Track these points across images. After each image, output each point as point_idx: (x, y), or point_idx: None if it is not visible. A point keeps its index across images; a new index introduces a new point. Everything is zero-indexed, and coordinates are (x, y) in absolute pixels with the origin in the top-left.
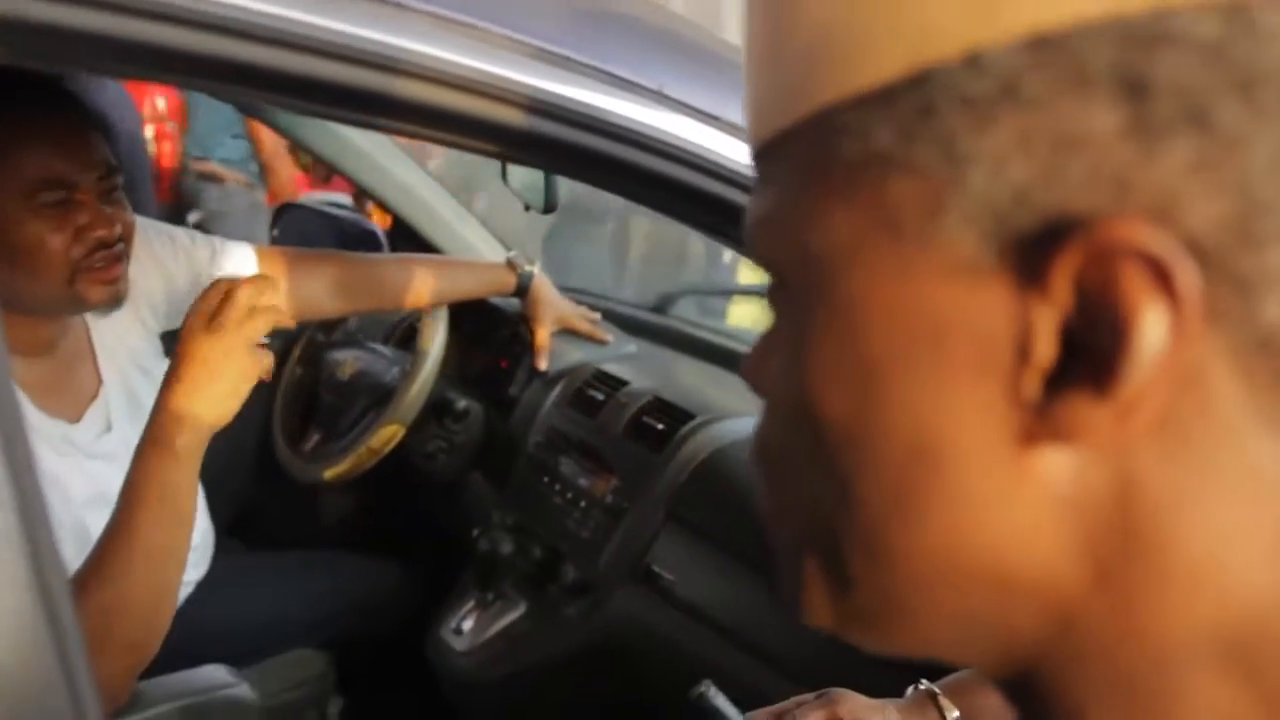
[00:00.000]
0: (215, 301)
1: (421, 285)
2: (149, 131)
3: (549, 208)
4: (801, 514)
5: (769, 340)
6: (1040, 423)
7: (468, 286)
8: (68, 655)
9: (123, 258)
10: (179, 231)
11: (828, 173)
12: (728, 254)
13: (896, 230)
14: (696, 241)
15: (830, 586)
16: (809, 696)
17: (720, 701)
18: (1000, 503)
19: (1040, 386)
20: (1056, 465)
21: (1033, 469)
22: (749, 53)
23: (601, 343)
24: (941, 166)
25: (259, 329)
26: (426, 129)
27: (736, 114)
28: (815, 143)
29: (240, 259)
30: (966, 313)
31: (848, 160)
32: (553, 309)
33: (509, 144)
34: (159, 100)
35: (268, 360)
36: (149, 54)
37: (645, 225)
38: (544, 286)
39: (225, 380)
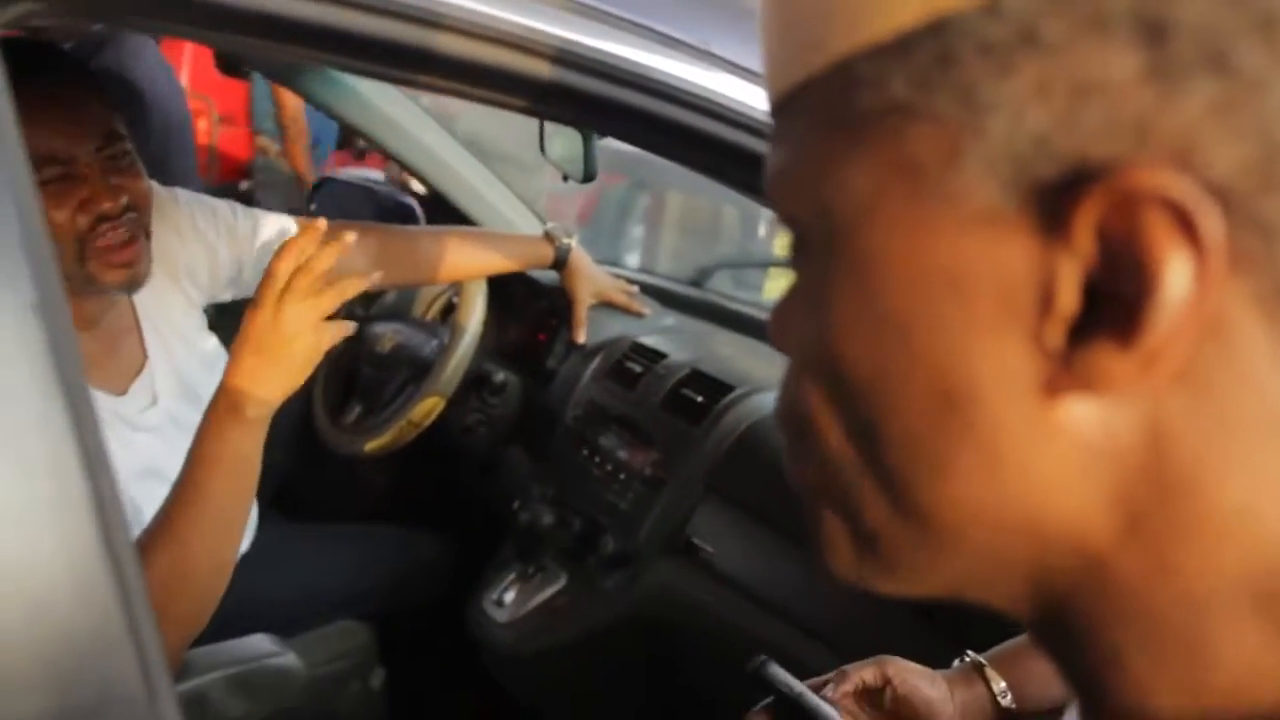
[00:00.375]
0: (290, 267)
1: (459, 258)
2: None
3: (588, 176)
4: (825, 469)
5: (791, 298)
6: (1065, 372)
7: (505, 259)
8: (136, 622)
9: (137, 234)
10: (221, 204)
11: (845, 125)
12: (763, 227)
13: (915, 181)
14: (731, 215)
15: (854, 538)
16: (858, 664)
17: (778, 672)
18: (1027, 452)
19: (1064, 336)
20: (1082, 415)
21: (1059, 418)
22: (765, 6)
23: (639, 315)
24: (960, 115)
25: (333, 301)
26: (467, 85)
27: None
28: (831, 95)
29: (282, 230)
30: (988, 263)
31: (864, 111)
32: (591, 282)
33: (551, 101)
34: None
35: (345, 328)
36: (191, 7)
37: (680, 199)
38: (581, 259)
39: (298, 351)
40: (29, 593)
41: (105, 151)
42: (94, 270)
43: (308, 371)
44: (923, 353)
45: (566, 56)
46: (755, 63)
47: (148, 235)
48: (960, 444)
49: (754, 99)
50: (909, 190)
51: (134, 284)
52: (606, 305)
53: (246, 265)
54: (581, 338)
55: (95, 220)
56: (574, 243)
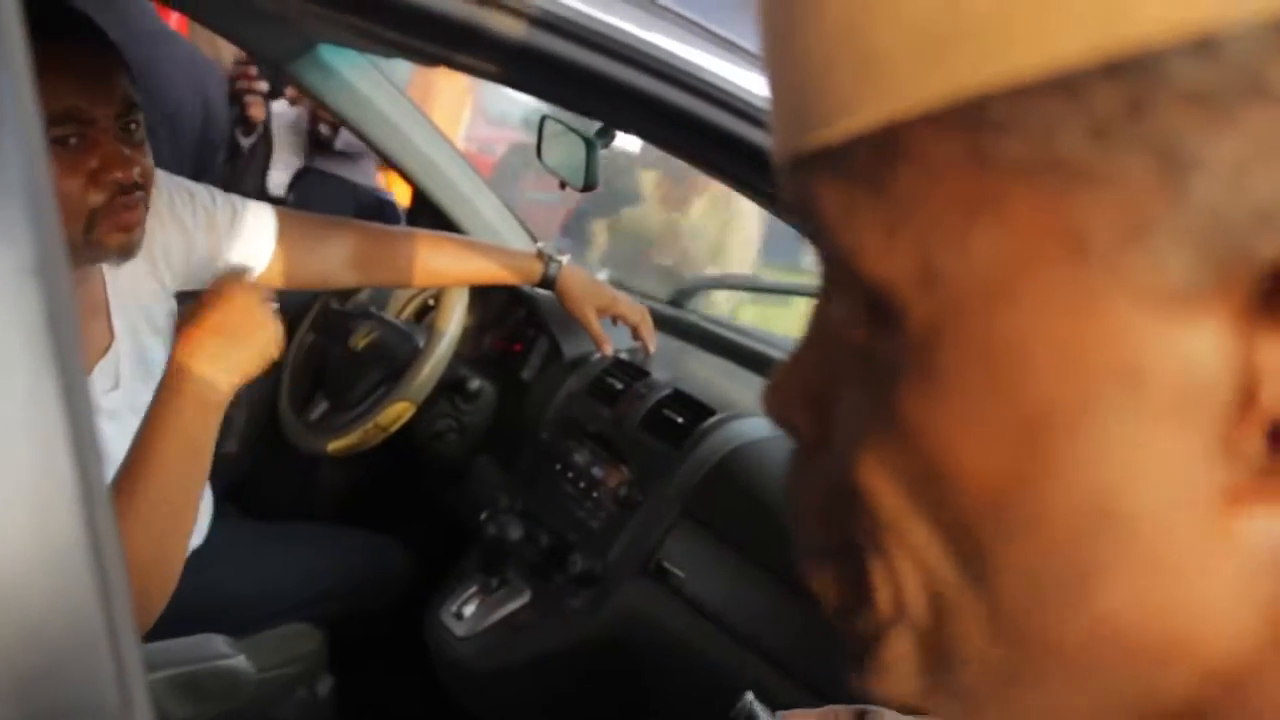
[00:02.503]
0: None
1: (442, 265)
2: None
3: (589, 185)
4: (897, 583)
5: (831, 369)
6: (1256, 481)
7: (490, 271)
8: (115, 625)
9: (141, 202)
10: (199, 189)
11: (970, 179)
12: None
13: (1078, 252)
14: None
15: (928, 662)
16: (844, 709)
17: (763, 713)
18: (1192, 568)
19: (1263, 440)
20: (1262, 526)
21: (1236, 532)
22: (797, 24)
23: (644, 349)
24: (1152, 175)
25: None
26: (473, 58)
27: None
28: (947, 142)
29: (260, 220)
30: (1169, 351)
31: (1006, 165)
32: (591, 298)
33: (582, 89)
34: None
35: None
36: None
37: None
38: (575, 277)
39: (265, 339)
40: (1, 586)
41: (123, 119)
42: (99, 235)
43: (267, 361)
44: (1075, 457)
45: (611, 45)
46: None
47: (147, 207)
48: (1108, 562)
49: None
50: (1067, 262)
51: (129, 251)
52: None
53: (223, 255)
54: (608, 350)
55: (112, 194)
56: (567, 261)
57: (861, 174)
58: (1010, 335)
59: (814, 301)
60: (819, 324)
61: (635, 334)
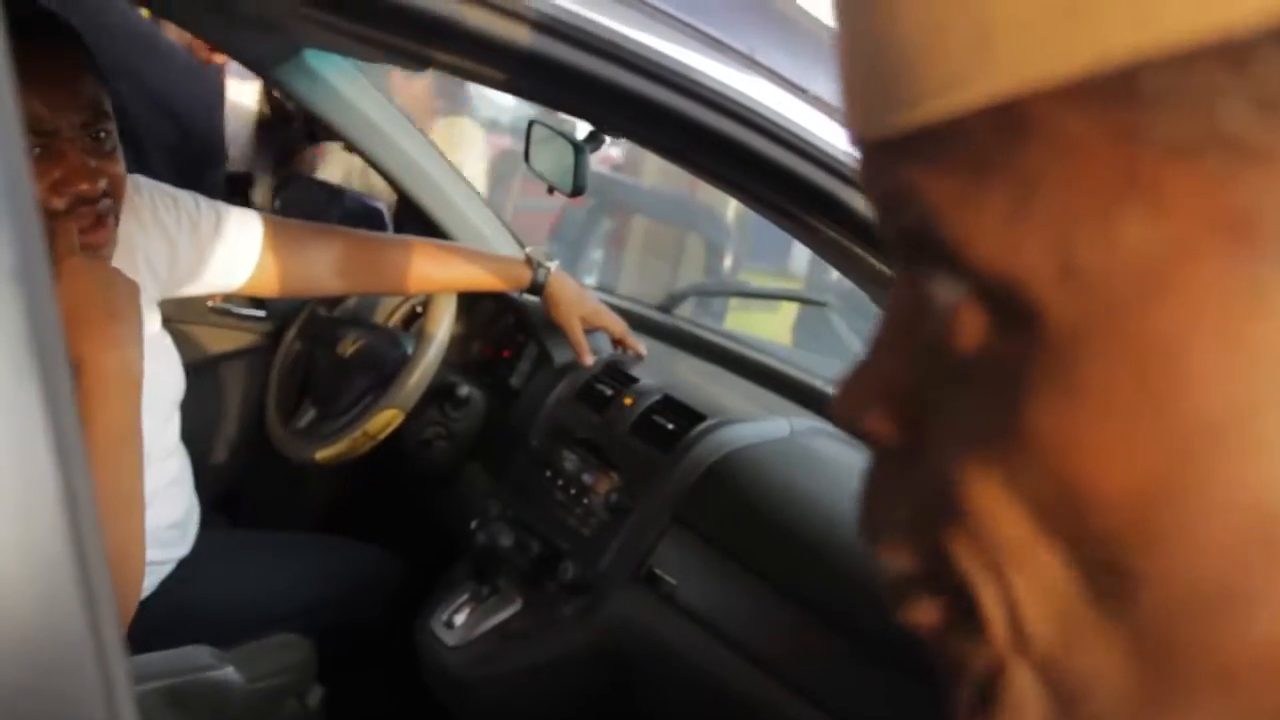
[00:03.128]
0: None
1: (429, 272)
2: None
3: (577, 190)
4: (1011, 615)
5: (924, 372)
6: None
7: (478, 278)
8: (101, 637)
9: (107, 218)
10: (184, 195)
11: (1116, 159)
12: (728, 259)
13: (1244, 239)
14: (696, 243)
15: (1055, 697)
16: None
17: None
18: None
19: None
20: None
21: None
22: None
23: (637, 355)
24: None
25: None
26: (488, 68)
27: (823, 87)
28: (1087, 116)
29: (245, 227)
30: None
31: (1156, 142)
32: (576, 306)
33: (578, 92)
34: None
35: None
36: None
37: (644, 224)
38: (563, 284)
39: (133, 304)
40: None
41: (90, 129)
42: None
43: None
44: (1235, 468)
45: (606, 47)
46: (796, 74)
47: (117, 220)
48: (1271, 580)
49: (794, 112)
50: (1232, 251)
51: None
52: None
53: (207, 261)
54: (588, 360)
55: (73, 203)
56: (555, 267)
57: (978, 155)
58: (1167, 335)
59: (896, 295)
60: (906, 321)
61: (619, 344)
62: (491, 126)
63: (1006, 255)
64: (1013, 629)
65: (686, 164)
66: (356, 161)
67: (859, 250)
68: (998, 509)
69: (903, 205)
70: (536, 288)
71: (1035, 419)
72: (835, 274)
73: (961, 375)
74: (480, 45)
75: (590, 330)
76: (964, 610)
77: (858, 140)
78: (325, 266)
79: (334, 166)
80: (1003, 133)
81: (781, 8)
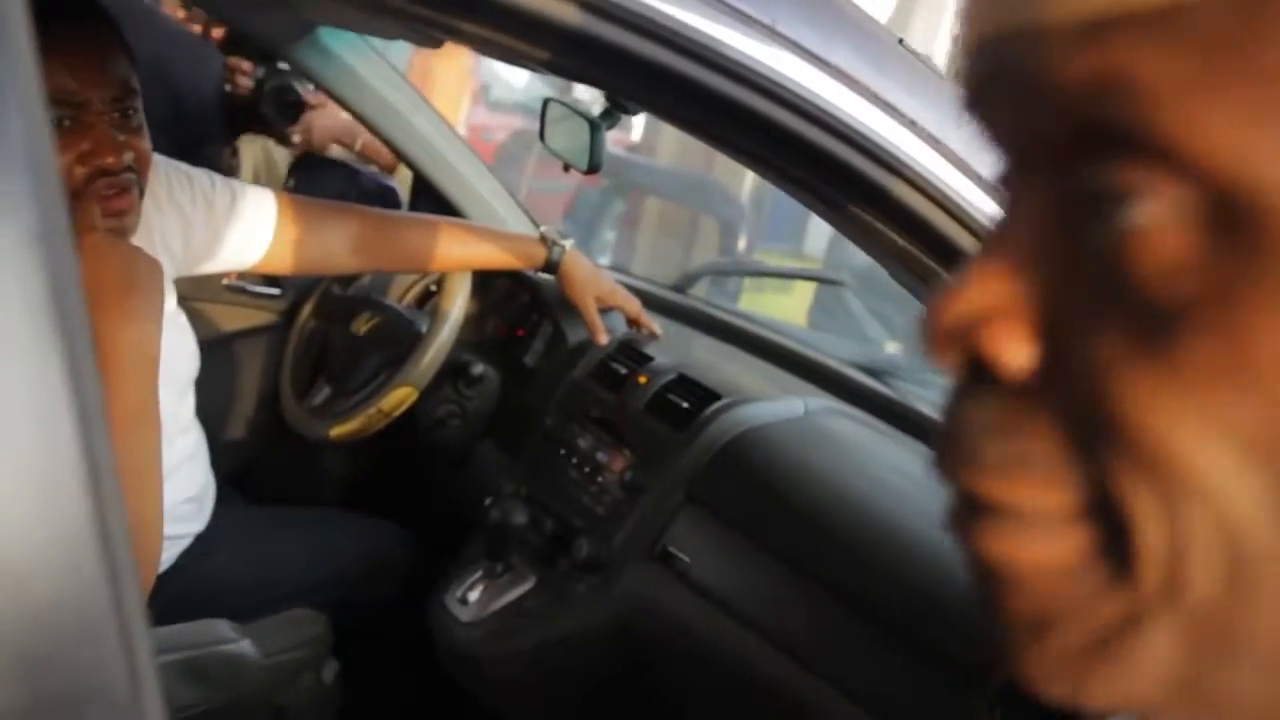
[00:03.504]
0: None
1: (444, 251)
2: None
3: (593, 167)
4: (1173, 556)
5: (1070, 287)
6: None
7: (493, 256)
8: (124, 608)
9: (132, 188)
10: (199, 174)
11: None
12: (742, 240)
13: None
14: (709, 225)
15: (1186, 658)
16: None
17: None
18: None
19: None
20: None
21: None
22: None
23: (652, 335)
24: None
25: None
26: (511, 40)
27: (846, 59)
28: None
29: (260, 205)
30: None
31: None
32: (593, 285)
33: (602, 64)
34: None
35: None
36: None
37: (657, 205)
38: (578, 263)
39: (155, 280)
40: (6, 568)
41: (119, 104)
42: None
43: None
44: None
45: (626, 16)
46: (819, 46)
47: (142, 193)
48: None
49: (816, 85)
50: None
51: (121, 235)
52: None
53: (222, 239)
54: (603, 340)
55: (95, 173)
56: (570, 245)
57: (1214, 38)
58: None
59: (1036, 207)
60: (1051, 234)
61: (634, 324)
62: (500, 107)
63: (1239, 154)
64: (1170, 573)
65: (704, 135)
66: (268, 154)
67: (881, 226)
68: (1187, 439)
69: (1101, 94)
70: (551, 266)
71: (1253, 342)
72: (852, 255)
73: (1141, 294)
74: (495, 15)
75: (605, 310)
76: (1101, 551)
77: (1041, 21)
78: (340, 244)
79: (246, 160)
80: (1248, 14)
81: None
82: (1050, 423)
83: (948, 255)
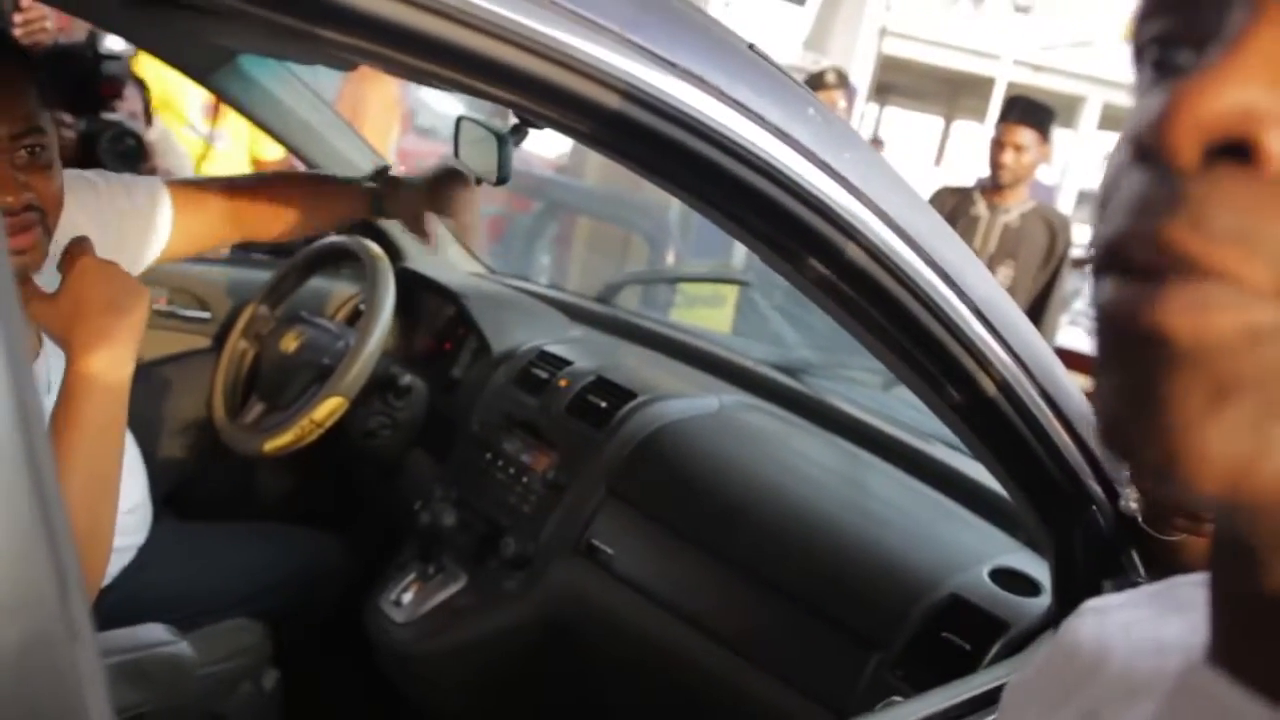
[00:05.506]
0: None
1: (295, 205)
2: None
3: (502, 179)
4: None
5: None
6: None
7: (337, 192)
8: (60, 555)
9: (33, 227)
10: (95, 176)
11: None
12: (670, 256)
13: None
14: (639, 243)
15: (1256, 435)
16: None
17: None
18: None
19: None
20: None
21: None
22: None
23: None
24: None
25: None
26: (403, 57)
27: (694, 61)
28: None
29: (154, 196)
30: None
31: None
32: (416, 201)
33: (505, 86)
34: None
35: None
36: None
37: (589, 225)
38: (402, 179)
39: (138, 301)
40: None
41: (22, 141)
42: None
43: (146, 316)
44: None
45: (535, 47)
46: (679, 54)
47: (48, 232)
48: None
49: (670, 86)
50: None
51: (24, 272)
52: (514, 315)
53: (129, 236)
54: (433, 244)
55: None
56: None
57: None
58: None
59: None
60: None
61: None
62: (429, 133)
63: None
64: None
65: (593, 144)
66: None
67: (746, 214)
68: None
69: None
70: (379, 177)
71: None
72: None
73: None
74: (386, 32)
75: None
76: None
77: None
78: (221, 217)
79: None
80: None
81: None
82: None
83: (803, 238)
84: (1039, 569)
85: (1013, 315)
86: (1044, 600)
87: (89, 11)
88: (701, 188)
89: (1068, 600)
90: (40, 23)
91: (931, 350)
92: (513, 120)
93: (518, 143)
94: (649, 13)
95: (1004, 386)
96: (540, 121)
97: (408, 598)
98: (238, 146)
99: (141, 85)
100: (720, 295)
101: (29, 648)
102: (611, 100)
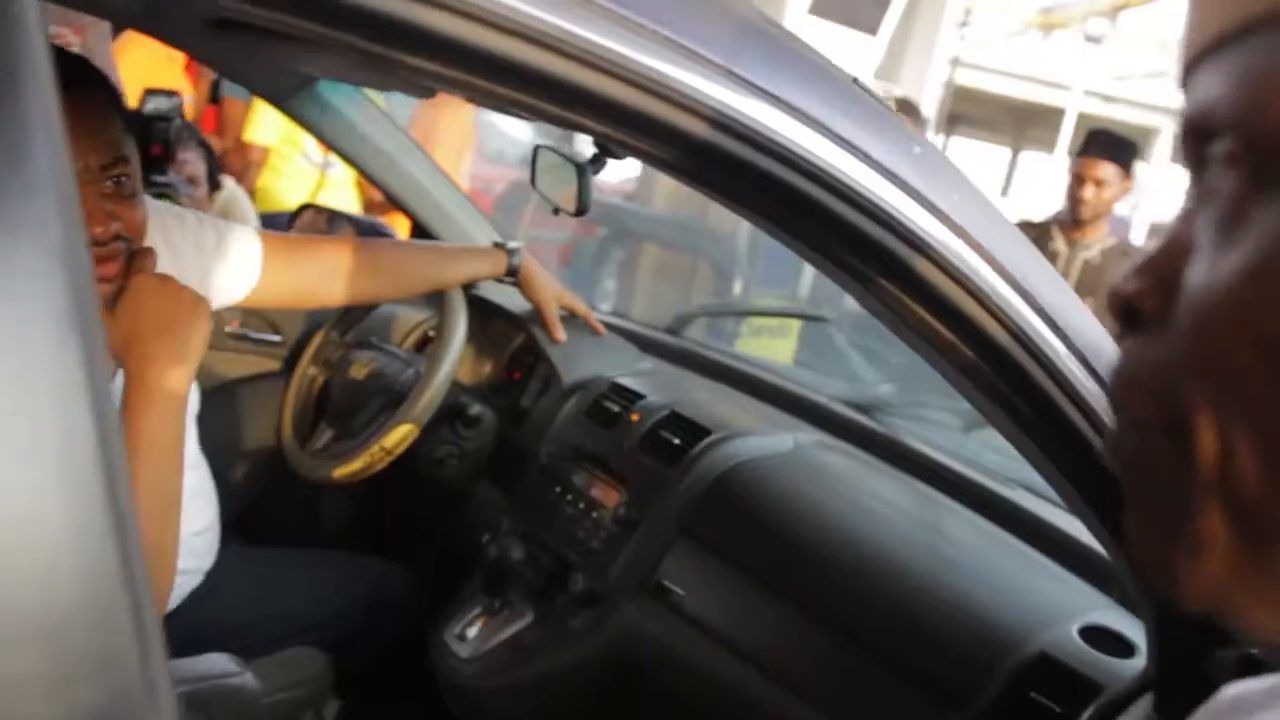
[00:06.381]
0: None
1: (420, 270)
2: None
3: (581, 210)
4: (1214, 454)
5: (1183, 246)
6: None
7: (464, 269)
8: (134, 585)
9: (117, 257)
10: (187, 213)
11: None
12: (737, 284)
13: None
14: (705, 270)
15: (1244, 541)
16: None
17: None
18: None
19: None
20: None
21: None
22: None
23: (596, 333)
24: None
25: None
26: (487, 84)
27: (802, 97)
28: None
29: (245, 242)
30: None
31: None
32: (550, 286)
33: (586, 111)
34: None
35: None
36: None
37: (655, 252)
38: (535, 267)
39: (198, 324)
40: (33, 585)
41: (110, 171)
42: None
43: (207, 340)
44: None
45: (609, 67)
46: (781, 87)
47: (128, 261)
48: None
49: (779, 123)
50: None
51: (106, 301)
52: (582, 343)
53: (212, 277)
54: (560, 336)
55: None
56: (523, 248)
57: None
58: None
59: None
60: (1191, 213)
61: (587, 322)
62: (499, 159)
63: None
64: (1221, 463)
65: (682, 176)
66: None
67: (844, 253)
68: (1197, 345)
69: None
70: (513, 270)
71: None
72: (840, 295)
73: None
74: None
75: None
76: (1181, 452)
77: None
78: (321, 275)
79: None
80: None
81: (759, 24)
82: (1155, 351)
83: (913, 285)
84: (1132, 628)
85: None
86: (1138, 662)
87: (172, 35)
88: (801, 225)
89: (1170, 666)
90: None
91: (1033, 397)
92: (591, 149)
93: (596, 172)
94: (751, 44)
95: (1105, 434)
96: (628, 152)
97: (473, 632)
98: (347, 172)
99: (206, 148)
100: (785, 326)
101: (112, 712)
102: (713, 133)
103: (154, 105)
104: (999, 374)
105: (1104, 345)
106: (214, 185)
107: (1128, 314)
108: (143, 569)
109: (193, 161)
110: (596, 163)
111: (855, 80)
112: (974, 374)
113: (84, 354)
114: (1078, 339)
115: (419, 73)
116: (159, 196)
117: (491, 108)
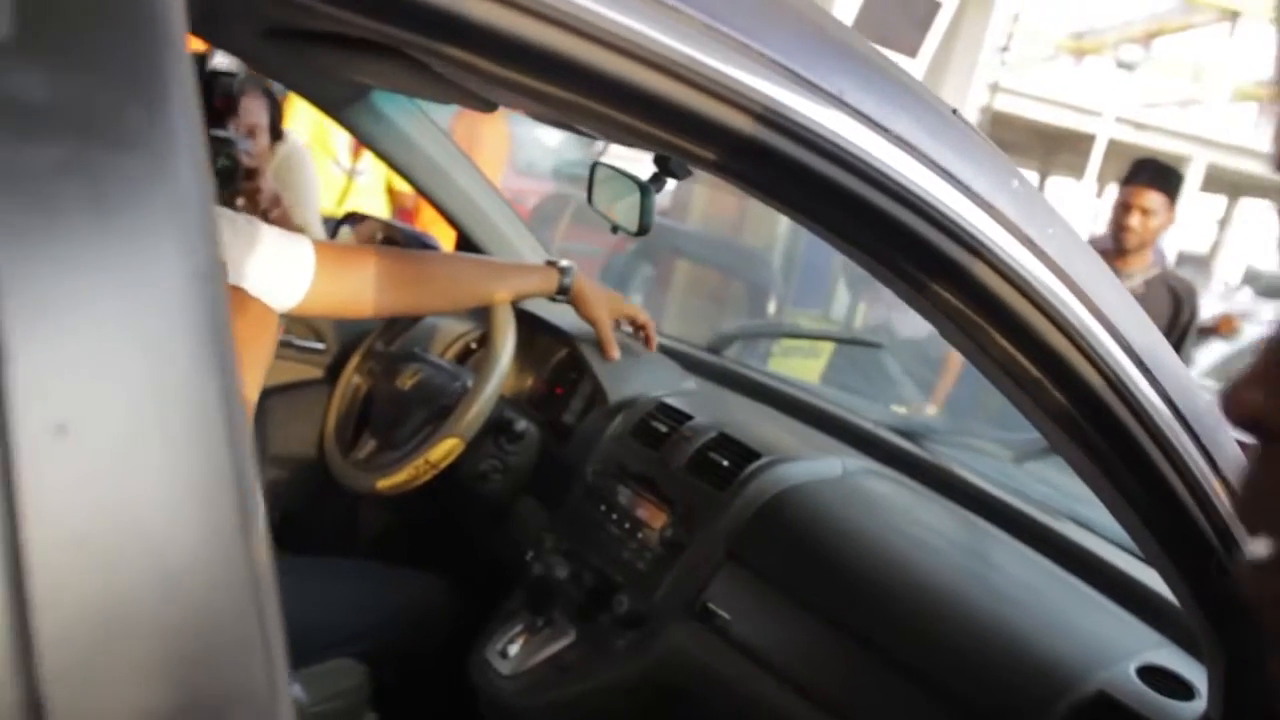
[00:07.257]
0: None
1: (470, 284)
2: None
3: (642, 229)
4: None
5: None
6: None
7: (515, 285)
8: (265, 613)
9: None
10: (239, 217)
11: None
12: (772, 303)
13: None
14: (738, 288)
15: None
16: None
17: None
18: None
19: None
20: None
21: None
22: None
23: (648, 346)
24: None
25: None
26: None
27: (906, 127)
28: None
29: (296, 250)
30: None
31: None
32: (603, 300)
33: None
34: None
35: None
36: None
37: (687, 268)
38: (588, 284)
39: (267, 339)
40: (168, 576)
41: None
42: None
43: (272, 355)
44: None
45: (680, 72)
46: (888, 117)
47: None
48: None
49: (881, 151)
50: None
51: None
52: (628, 362)
53: (264, 283)
54: (615, 354)
55: None
56: (575, 265)
57: None
58: None
59: None
60: None
61: (641, 332)
62: (530, 172)
63: None
64: None
65: (764, 194)
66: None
67: (936, 287)
68: None
69: None
70: (564, 288)
71: None
72: (883, 318)
73: None
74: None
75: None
76: None
77: None
78: (371, 286)
79: None
80: None
81: (865, 51)
82: None
83: (992, 309)
84: (1190, 669)
85: (1206, 411)
86: (1198, 705)
87: (229, 43)
88: (890, 254)
89: (1239, 711)
90: None
91: (1122, 441)
92: (652, 168)
93: (657, 191)
94: (868, 77)
95: (1193, 485)
96: (699, 168)
97: (514, 649)
98: (376, 179)
99: (270, 98)
100: (817, 347)
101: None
102: (821, 162)
103: (217, 59)
104: (1085, 412)
105: (1194, 393)
106: (275, 135)
107: (1252, 426)
108: (268, 571)
109: (255, 111)
110: (658, 181)
111: (955, 111)
112: (1056, 412)
113: (221, 364)
114: (1166, 382)
115: (488, 77)
116: (214, 147)
117: (550, 121)
